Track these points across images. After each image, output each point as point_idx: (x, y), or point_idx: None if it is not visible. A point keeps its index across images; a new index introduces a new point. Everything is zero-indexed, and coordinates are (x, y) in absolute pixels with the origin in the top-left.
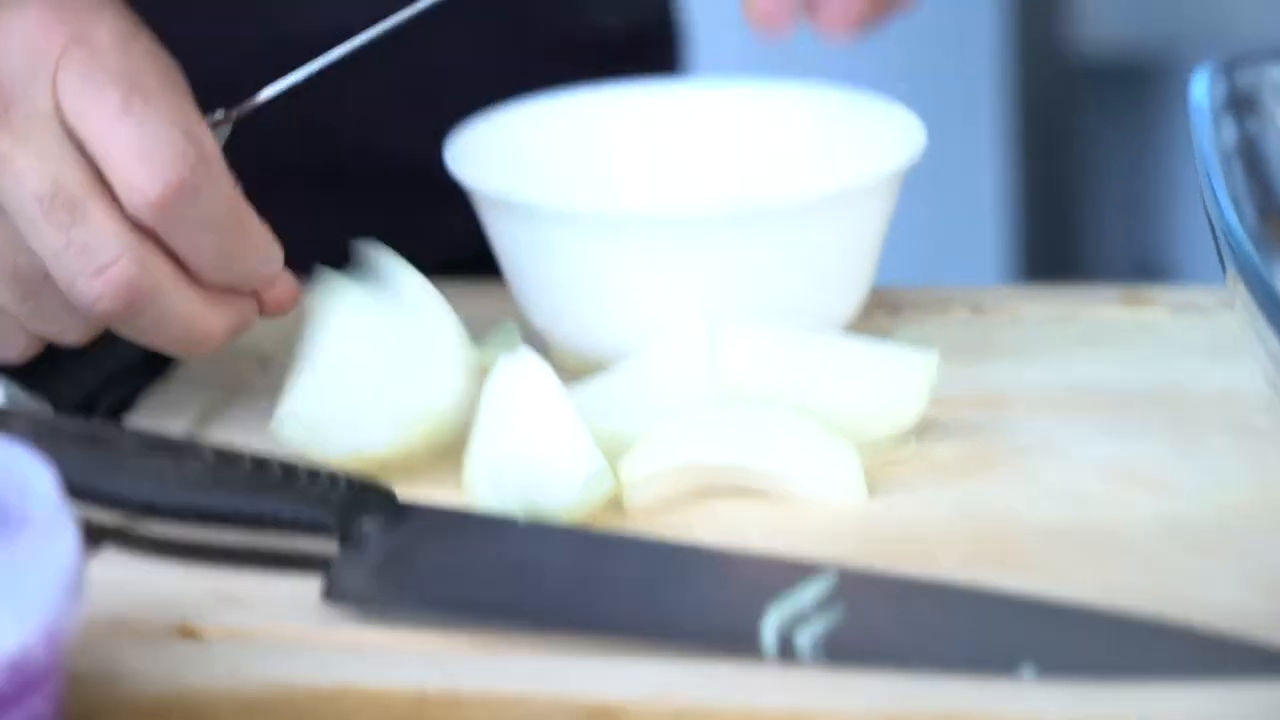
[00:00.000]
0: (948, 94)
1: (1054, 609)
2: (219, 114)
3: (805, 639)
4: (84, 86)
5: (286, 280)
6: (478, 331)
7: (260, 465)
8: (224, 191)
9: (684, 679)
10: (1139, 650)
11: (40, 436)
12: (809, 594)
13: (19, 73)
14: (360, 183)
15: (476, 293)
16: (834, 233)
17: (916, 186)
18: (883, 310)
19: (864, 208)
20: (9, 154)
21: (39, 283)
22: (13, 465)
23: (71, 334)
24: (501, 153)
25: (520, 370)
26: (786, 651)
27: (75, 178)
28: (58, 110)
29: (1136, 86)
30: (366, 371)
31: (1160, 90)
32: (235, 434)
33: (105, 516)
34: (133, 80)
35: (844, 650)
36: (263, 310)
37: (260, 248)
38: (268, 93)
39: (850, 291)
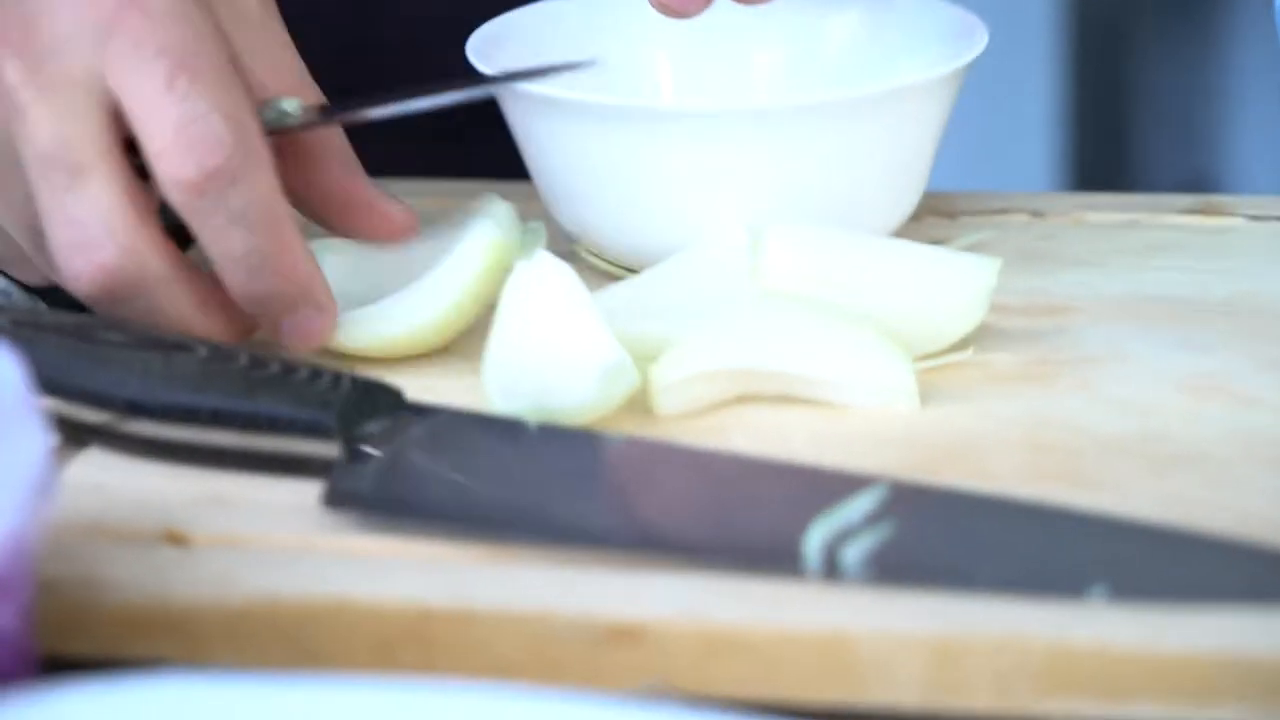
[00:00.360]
0: (1003, 2)
1: (1125, 526)
2: (294, 106)
3: (852, 555)
4: (132, 55)
5: (323, 312)
6: None
7: (257, 362)
8: (263, 187)
9: (715, 597)
10: (1218, 572)
11: (19, 329)
12: (857, 507)
13: (63, 29)
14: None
15: (501, 192)
16: (889, 133)
17: (967, 95)
18: (936, 216)
19: (921, 107)
20: (27, 106)
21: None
22: None
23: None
24: (528, 48)
25: (539, 272)
26: (831, 569)
27: (87, 144)
28: (99, 75)
29: (1195, 2)
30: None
31: (1219, 6)
32: None
33: (90, 415)
34: (183, 55)
35: (895, 568)
36: (284, 339)
37: (296, 262)
38: (358, 115)
39: (903, 196)
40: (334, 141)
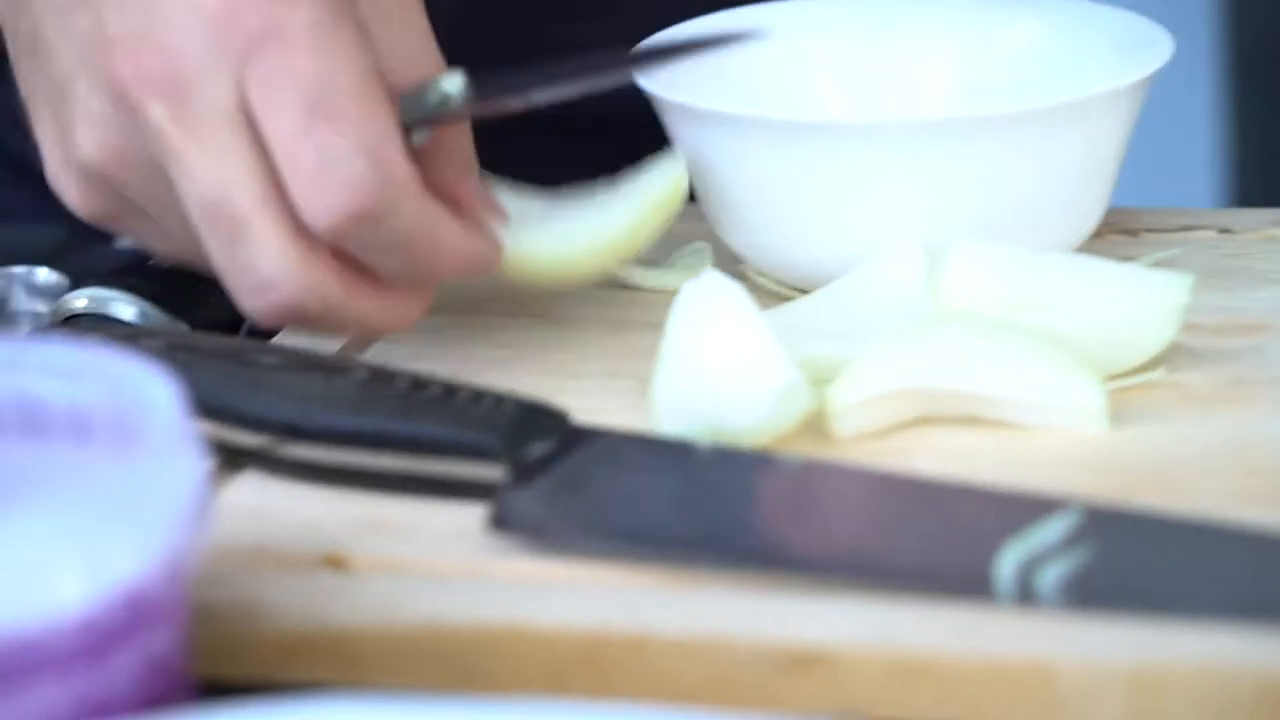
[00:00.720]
0: (1163, 18)
1: None
2: (455, 86)
3: (1048, 580)
4: (270, 89)
5: (493, 259)
6: (669, 254)
7: (418, 385)
8: (411, 214)
9: (902, 622)
10: None
11: (174, 353)
12: (1052, 531)
13: (201, 59)
14: (582, 130)
15: None
16: (1076, 144)
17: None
18: (1118, 233)
19: (1109, 117)
20: (181, 149)
21: None
22: (135, 381)
23: None
24: (695, 65)
25: (708, 291)
26: (1025, 594)
27: (245, 188)
28: (242, 107)
29: None
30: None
31: None
32: (394, 354)
33: (246, 438)
34: (321, 89)
35: (1094, 593)
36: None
37: (457, 254)
38: (517, 97)
39: (1086, 212)
40: (455, 139)
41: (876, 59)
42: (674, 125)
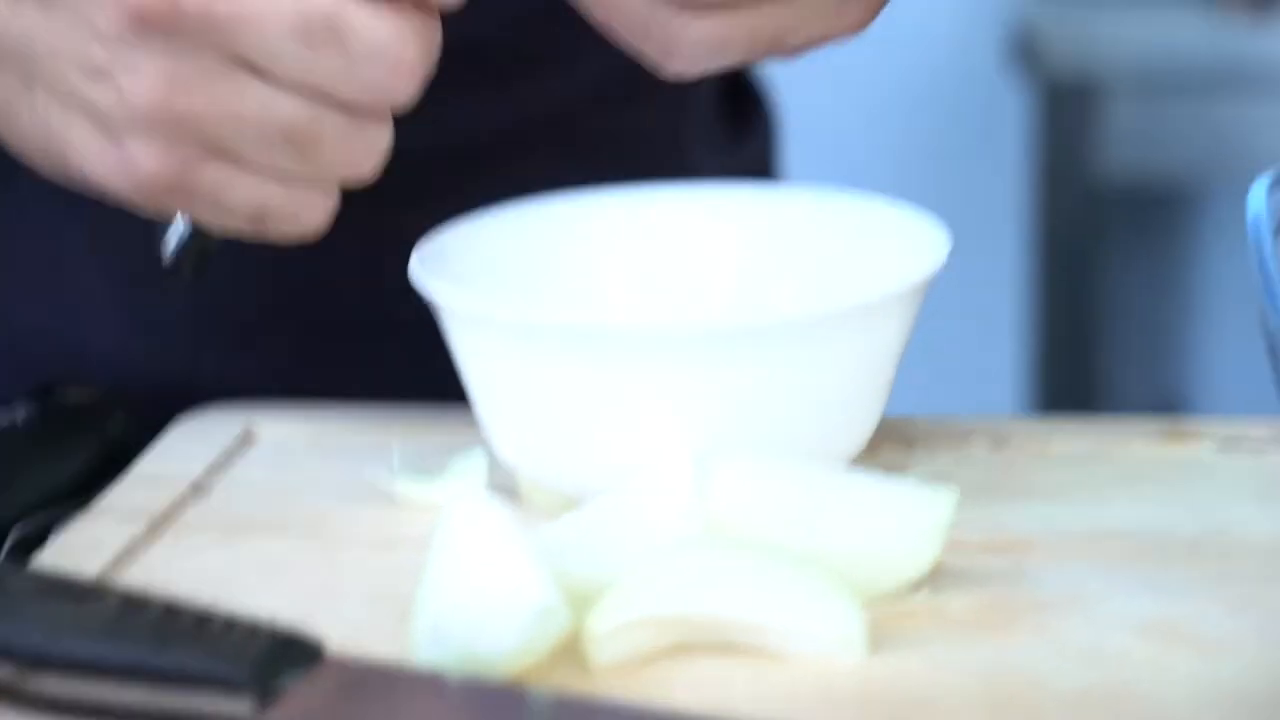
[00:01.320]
0: (970, 218)
1: None
2: None
3: None
4: None
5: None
6: (442, 462)
7: (171, 612)
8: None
9: None
10: None
11: None
12: None
13: None
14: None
15: (445, 420)
16: (844, 354)
17: (931, 310)
18: (893, 443)
19: (880, 326)
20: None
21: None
22: None
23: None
24: (477, 258)
25: (470, 508)
26: None
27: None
28: None
29: (1160, 215)
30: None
31: (1184, 219)
32: (157, 574)
33: None
34: None
35: None
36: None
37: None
38: None
39: (859, 422)
40: None
41: (667, 259)
42: (446, 325)
